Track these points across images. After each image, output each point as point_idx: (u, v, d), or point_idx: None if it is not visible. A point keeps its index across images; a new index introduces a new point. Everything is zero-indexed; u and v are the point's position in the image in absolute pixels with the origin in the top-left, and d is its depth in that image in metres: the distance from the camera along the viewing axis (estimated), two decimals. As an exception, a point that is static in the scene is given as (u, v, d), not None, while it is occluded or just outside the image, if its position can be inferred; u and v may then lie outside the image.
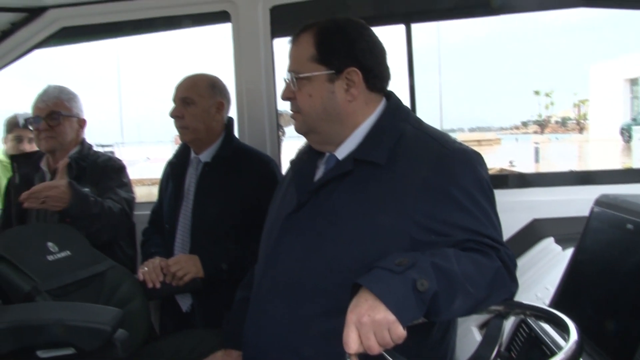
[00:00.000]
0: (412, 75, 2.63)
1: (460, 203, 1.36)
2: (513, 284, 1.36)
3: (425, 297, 1.16)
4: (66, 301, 1.77)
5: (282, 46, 2.53)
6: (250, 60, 2.69)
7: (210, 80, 2.33)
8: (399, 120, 1.53)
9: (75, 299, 1.83)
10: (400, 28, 2.65)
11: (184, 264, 2.12)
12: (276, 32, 2.69)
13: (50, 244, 1.96)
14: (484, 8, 2.49)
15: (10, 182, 2.65)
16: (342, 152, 1.54)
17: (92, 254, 2.10)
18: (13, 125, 3.43)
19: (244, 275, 1.86)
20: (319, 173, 1.59)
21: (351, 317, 1.14)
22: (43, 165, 2.57)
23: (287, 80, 1.56)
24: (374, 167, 1.44)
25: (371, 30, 1.57)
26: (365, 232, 1.39)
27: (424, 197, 1.37)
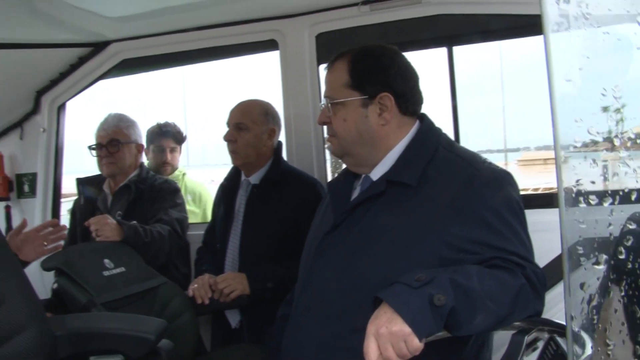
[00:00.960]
0: (454, 97, 2.65)
1: (488, 222, 1.39)
2: (538, 302, 1.36)
3: (442, 311, 1.19)
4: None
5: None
6: (298, 86, 2.79)
7: (264, 107, 2.41)
8: (431, 142, 1.58)
9: (129, 312, 1.95)
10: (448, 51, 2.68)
11: (232, 282, 2.20)
12: (322, 58, 2.76)
13: (106, 261, 2.11)
14: (525, 29, 2.48)
15: (76, 203, 2.83)
16: (376, 174, 1.60)
17: (146, 270, 2.23)
18: (154, 135, 3.48)
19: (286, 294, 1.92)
20: (355, 194, 1.65)
21: (371, 328, 1.20)
22: (105, 187, 2.74)
23: (323, 106, 1.63)
24: (406, 188, 1.48)
25: (403, 56, 1.64)
26: (395, 251, 1.43)
27: (453, 218, 1.40)
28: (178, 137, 3.49)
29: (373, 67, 1.59)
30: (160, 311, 2.11)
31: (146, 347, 1.46)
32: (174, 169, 3.49)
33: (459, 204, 1.41)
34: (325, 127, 1.82)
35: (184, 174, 3.55)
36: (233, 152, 2.40)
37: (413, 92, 1.62)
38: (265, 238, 2.31)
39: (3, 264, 1.39)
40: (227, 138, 2.39)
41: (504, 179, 1.49)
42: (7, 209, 3.36)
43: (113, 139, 2.65)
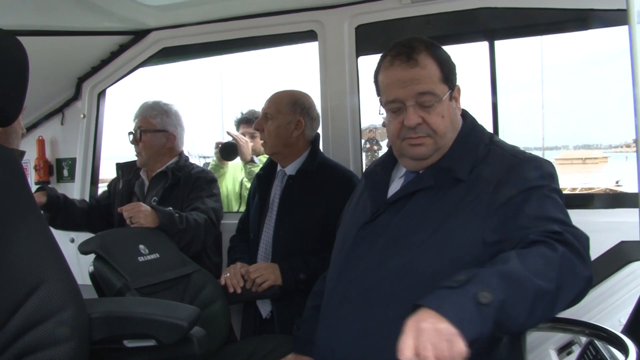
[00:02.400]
0: (495, 93, 2.61)
1: (527, 197, 1.38)
2: (584, 267, 1.27)
3: (490, 309, 1.11)
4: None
5: (366, 64, 2.61)
6: (336, 78, 2.77)
7: (293, 98, 2.40)
8: (476, 137, 1.58)
9: (162, 298, 1.97)
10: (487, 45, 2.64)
11: (264, 272, 2.20)
12: (361, 50, 2.75)
13: (141, 247, 2.13)
14: (570, 23, 2.42)
15: (112, 183, 2.90)
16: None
17: (180, 257, 2.25)
18: (240, 122, 3.56)
19: None
20: (394, 184, 1.64)
21: (411, 323, 1.11)
22: (142, 173, 2.78)
23: (409, 106, 1.52)
24: (453, 181, 1.49)
25: None
26: (439, 240, 1.43)
27: (496, 202, 1.40)
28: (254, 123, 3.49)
29: (449, 59, 1.58)
30: (193, 298, 2.13)
31: (179, 333, 1.46)
32: (257, 153, 3.47)
33: (502, 188, 1.41)
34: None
35: None
36: (262, 141, 2.44)
37: None
38: (299, 229, 2.30)
39: (43, 246, 1.41)
40: (255, 127, 2.44)
41: (546, 165, 1.49)
42: (48, 192, 3.44)
43: (139, 128, 2.70)
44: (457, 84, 1.59)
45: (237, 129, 3.56)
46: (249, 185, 3.31)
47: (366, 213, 1.61)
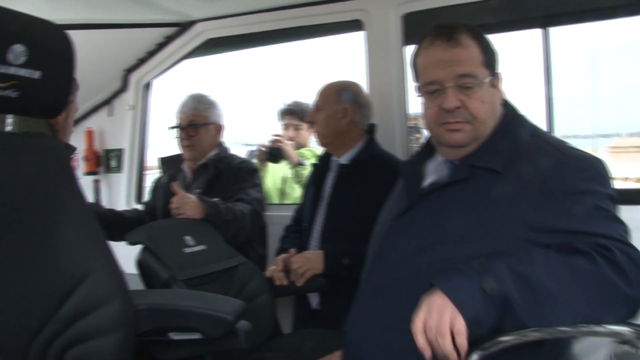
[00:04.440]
0: (549, 82, 2.51)
1: (575, 206, 1.31)
2: (629, 287, 1.21)
3: (494, 299, 1.18)
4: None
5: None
6: (383, 67, 2.72)
7: (339, 86, 2.39)
8: (516, 127, 1.50)
9: (207, 290, 1.96)
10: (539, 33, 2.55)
11: (305, 262, 2.19)
12: (408, 39, 2.68)
13: (187, 238, 2.13)
14: (626, 8, 2.31)
15: (158, 180, 2.91)
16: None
17: (226, 249, 2.24)
18: (283, 113, 3.54)
19: None
20: (429, 176, 1.59)
21: (424, 299, 1.24)
22: (185, 166, 2.79)
23: (448, 88, 1.45)
24: (489, 173, 1.42)
25: None
26: (473, 235, 1.37)
27: (540, 202, 1.33)
28: (301, 115, 3.45)
29: (491, 45, 1.51)
30: (239, 291, 2.12)
31: (225, 327, 1.45)
32: (300, 145, 3.46)
33: (547, 188, 1.34)
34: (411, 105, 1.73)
35: (315, 154, 3.39)
36: (315, 133, 2.45)
37: None
38: (348, 219, 2.28)
39: (90, 238, 1.42)
40: (307, 120, 2.43)
41: (595, 164, 1.40)
42: (96, 183, 3.52)
43: (192, 121, 2.69)
44: (499, 72, 1.52)
45: (281, 120, 3.54)
46: (293, 183, 3.30)
47: (401, 204, 1.57)
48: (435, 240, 1.42)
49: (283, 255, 2.28)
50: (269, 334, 2.15)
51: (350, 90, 2.39)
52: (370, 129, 2.43)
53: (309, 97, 2.47)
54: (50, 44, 1.38)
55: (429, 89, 1.49)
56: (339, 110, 2.35)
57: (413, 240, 1.46)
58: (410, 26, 2.67)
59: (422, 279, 1.38)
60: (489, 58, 1.48)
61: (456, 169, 1.50)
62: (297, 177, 3.27)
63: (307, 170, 3.06)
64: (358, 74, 2.74)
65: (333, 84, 2.42)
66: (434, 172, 1.59)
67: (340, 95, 2.36)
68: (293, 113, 3.47)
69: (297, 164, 3.25)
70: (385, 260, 1.51)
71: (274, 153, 3.25)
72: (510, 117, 1.53)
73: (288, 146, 3.27)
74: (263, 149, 3.32)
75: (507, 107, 1.55)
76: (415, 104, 2.82)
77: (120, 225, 2.61)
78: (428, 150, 1.64)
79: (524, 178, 1.37)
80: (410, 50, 2.70)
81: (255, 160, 3.30)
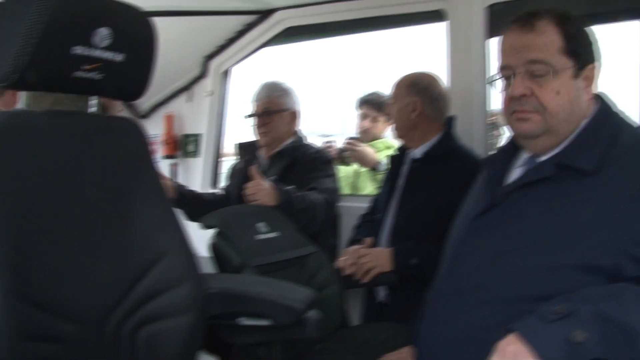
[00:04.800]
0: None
1: None
2: None
3: (583, 351, 1.02)
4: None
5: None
6: (464, 59, 2.63)
7: (410, 79, 2.35)
8: (613, 124, 1.38)
9: (278, 277, 1.95)
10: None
11: (373, 258, 2.15)
12: (493, 31, 2.57)
13: (261, 224, 2.13)
14: None
15: (235, 165, 2.95)
16: (545, 155, 1.42)
17: (298, 238, 2.24)
18: (362, 103, 3.50)
19: (434, 277, 1.84)
20: (514, 174, 1.49)
21: (500, 345, 1.11)
22: (261, 153, 2.81)
23: (517, 72, 1.38)
24: (579, 173, 1.30)
25: None
26: (560, 241, 1.26)
27: None
28: (378, 106, 3.39)
29: (584, 32, 1.39)
30: (308, 280, 2.11)
31: (295, 316, 1.45)
32: (375, 137, 3.41)
33: None
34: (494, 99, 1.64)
35: (388, 147, 3.35)
36: (392, 125, 2.42)
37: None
38: (418, 214, 2.22)
39: (165, 219, 1.45)
40: (385, 112, 2.40)
41: None
42: (174, 167, 3.62)
43: (266, 109, 2.70)
44: (594, 63, 1.39)
45: (358, 109, 3.48)
46: (365, 179, 3.26)
47: (481, 204, 1.47)
48: (516, 245, 1.33)
49: (355, 247, 2.24)
50: (336, 325, 2.13)
51: (420, 82, 2.33)
52: (448, 123, 2.36)
53: (389, 89, 2.43)
54: (134, 29, 1.41)
55: (502, 75, 1.43)
56: (409, 103, 2.30)
57: (492, 243, 1.38)
58: (496, 17, 2.56)
59: (498, 288, 1.32)
60: (574, 46, 1.36)
61: (540, 166, 1.40)
62: (373, 180, 3.20)
63: (382, 174, 3.00)
64: (440, 66, 2.67)
65: (405, 77, 2.37)
66: (517, 171, 1.49)
67: (410, 88, 2.32)
68: (370, 103, 3.41)
69: (373, 168, 3.16)
70: (462, 263, 1.44)
71: (344, 158, 3.19)
72: (606, 113, 1.41)
73: (362, 151, 3.16)
74: (335, 148, 3.28)
75: (602, 102, 1.43)
76: (497, 100, 2.72)
77: (199, 206, 2.67)
78: (513, 146, 1.55)
79: (621, 181, 1.26)
80: (494, 43, 2.62)
81: None
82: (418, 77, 2.36)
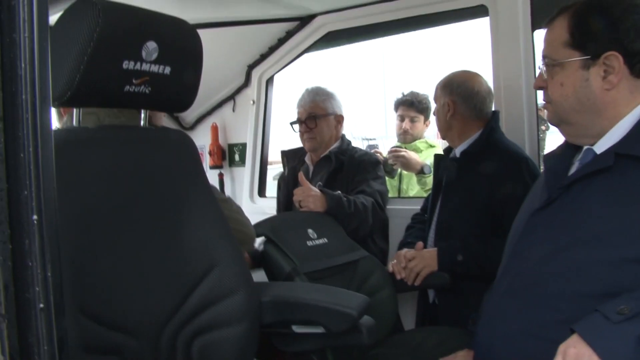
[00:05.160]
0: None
1: None
2: None
3: None
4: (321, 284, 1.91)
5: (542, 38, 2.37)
6: (509, 54, 2.56)
7: (445, 80, 2.34)
8: None
9: (329, 283, 1.96)
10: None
11: (421, 260, 2.13)
12: (537, 23, 2.50)
13: (310, 231, 2.14)
14: None
15: (282, 174, 2.96)
16: (601, 146, 1.36)
17: (348, 243, 2.23)
18: (399, 104, 3.48)
19: (482, 273, 1.82)
20: (574, 169, 1.44)
21: (562, 347, 1.09)
22: (307, 159, 2.81)
23: (540, 69, 1.46)
24: (638, 162, 1.25)
25: None
26: (622, 236, 1.21)
27: None
28: (418, 106, 3.37)
29: (600, 22, 1.34)
30: (360, 285, 2.10)
31: (348, 322, 1.43)
32: (415, 138, 3.37)
33: None
34: (541, 94, 1.61)
35: (430, 146, 3.35)
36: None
37: None
38: (459, 212, 2.20)
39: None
40: (433, 113, 2.44)
41: None
42: (220, 176, 3.67)
43: (311, 114, 2.70)
44: (617, 52, 1.31)
45: (396, 110, 3.44)
46: (412, 182, 3.22)
47: (541, 199, 1.43)
48: (576, 240, 1.28)
49: (404, 250, 2.22)
50: (390, 329, 2.11)
51: (453, 82, 2.31)
52: (490, 118, 2.31)
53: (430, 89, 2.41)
54: (180, 41, 1.42)
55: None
56: (445, 103, 2.30)
57: (552, 238, 1.34)
58: (540, 9, 2.49)
59: (558, 284, 1.28)
60: (580, 38, 1.34)
61: (598, 158, 1.35)
62: (423, 185, 3.14)
63: (429, 178, 2.95)
64: (484, 62, 2.62)
65: (444, 78, 2.36)
66: (577, 165, 1.45)
67: (444, 89, 2.32)
68: (409, 104, 3.37)
69: (420, 172, 3.10)
70: (521, 259, 1.40)
71: (388, 170, 3.06)
72: None
73: (407, 156, 3.07)
74: (379, 152, 3.23)
75: None
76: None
77: None
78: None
79: None
80: (540, 34, 2.55)
81: None
82: (452, 76, 2.34)
